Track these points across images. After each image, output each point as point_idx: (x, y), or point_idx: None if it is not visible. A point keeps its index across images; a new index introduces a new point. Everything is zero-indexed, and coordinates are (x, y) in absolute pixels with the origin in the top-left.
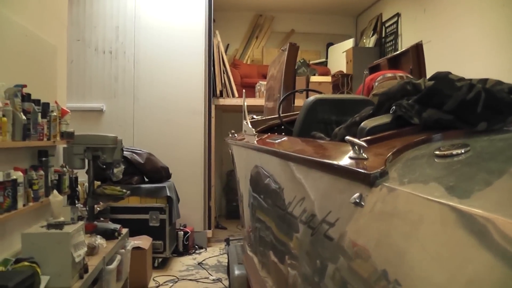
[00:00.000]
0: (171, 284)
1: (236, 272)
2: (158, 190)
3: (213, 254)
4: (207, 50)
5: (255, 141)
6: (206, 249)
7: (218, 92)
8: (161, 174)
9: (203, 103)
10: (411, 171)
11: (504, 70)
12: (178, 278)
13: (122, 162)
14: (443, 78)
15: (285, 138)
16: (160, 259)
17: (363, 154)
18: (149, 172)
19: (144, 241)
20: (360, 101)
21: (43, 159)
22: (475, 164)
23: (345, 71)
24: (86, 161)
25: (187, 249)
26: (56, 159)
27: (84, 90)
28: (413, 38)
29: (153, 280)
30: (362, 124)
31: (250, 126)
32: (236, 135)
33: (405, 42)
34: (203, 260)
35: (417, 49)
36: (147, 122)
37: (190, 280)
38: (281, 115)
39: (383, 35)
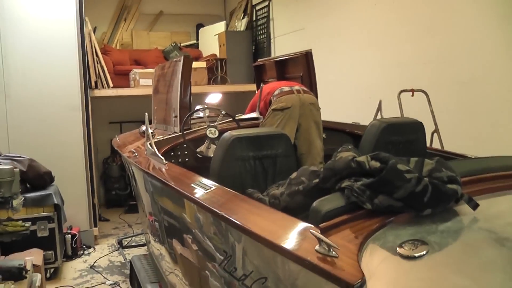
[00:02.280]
0: None
1: None
2: (45, 198)
3: (103, 253)
4: (79, 40)
5: (164, 169)
6: (94, 248)
7: (93, 83)
8: (45, 180)
9: (80, 97)
10: (385, 278)
11: (375, 63)
12: None
13: (20, 193)
14: (392, 169)
15: (214, 188)
16: (52, 269)
17: (333, 252)
18: (33, 180)
19: (36, 256)
20: (275, 136)
21: None
22: (439, 269)
23: (218, 55)
24: None
25: (75, 252)
26: None
27: None
28: (286, 23)
29: None
30: (315, 204)
31: (158, 154)
32: (136, 153)
33: (277, 27)
34: (94, 262)
35: (307, 57)
36: (22, 122)
37: None
38: (184, 132)
39: (254, 19)
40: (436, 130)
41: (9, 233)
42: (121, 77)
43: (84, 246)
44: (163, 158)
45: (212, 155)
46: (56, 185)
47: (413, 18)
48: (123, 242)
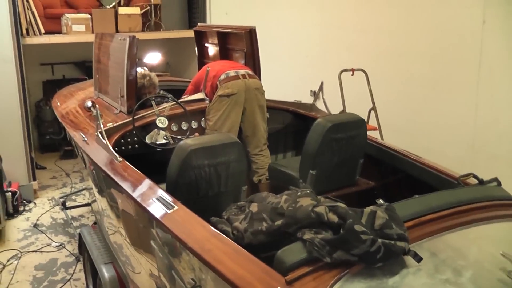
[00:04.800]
0: (16, 262)
1: (106, 275)
2: None
3: (44, 209)
4: None
5: (118, 167)
6: (35, 203)
7: (24, 30)
8: None
9: (12, 47)
10: None
11: (314, 26)
12: (20, 252)
13: None
14: (350, 229)
15: (176, 209)
16: None
17: None
18: None
19: None
20: (229, 144)
21: None
22: None
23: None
24: None
25: (17, 209)
26: None
27: None
28: None
29: None
30: (280, 254)
31: (113, 151)
32: (86, 138)
33: None
34: (37, 220)
35: (250, 34)
36: None
37: (33, 251)
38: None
39: None
40: (374, 108)
41: None
42: (52, 21)
43: (24, 201)
44: (117, 155)
45: (160, 142)
46: None
47: None
48: (65, 202)
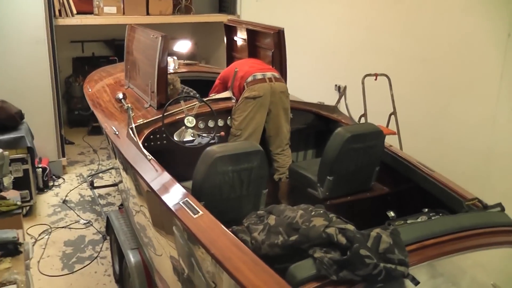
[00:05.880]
0: (46, 237)
1: (133, 260)
2: (17, 140)
3: (72, 185)
4: None
5: (149, 165)
6: (64, 179)
7: (57, 12)
8: (16, 120)
9: (45, 28)
10: None
11: (337, 23)
12: (50, 227)
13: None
14: (356, 253)
15: (201, 214)
16: (28, 207)
17: None
18: (4, 121)
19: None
20: (252, 152)
21: None
22: None
23: None
24: None
25: (47, 184)
26: None
27: None
28: None
29: (27, 233)
30: (292, 269)
31: (144, 150)
32: (117, 132)
33: None
34: (66, 196)
35: (279, 35)
36: None
37: (63, 227)
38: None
39: None
40: (394, 113)
41: (2, 212)
42: (84, 1)
43: (53, 177)
44: (147, 153)
45: (188, 139)
46: (26, 123)
47: None
48: (93, 182)
